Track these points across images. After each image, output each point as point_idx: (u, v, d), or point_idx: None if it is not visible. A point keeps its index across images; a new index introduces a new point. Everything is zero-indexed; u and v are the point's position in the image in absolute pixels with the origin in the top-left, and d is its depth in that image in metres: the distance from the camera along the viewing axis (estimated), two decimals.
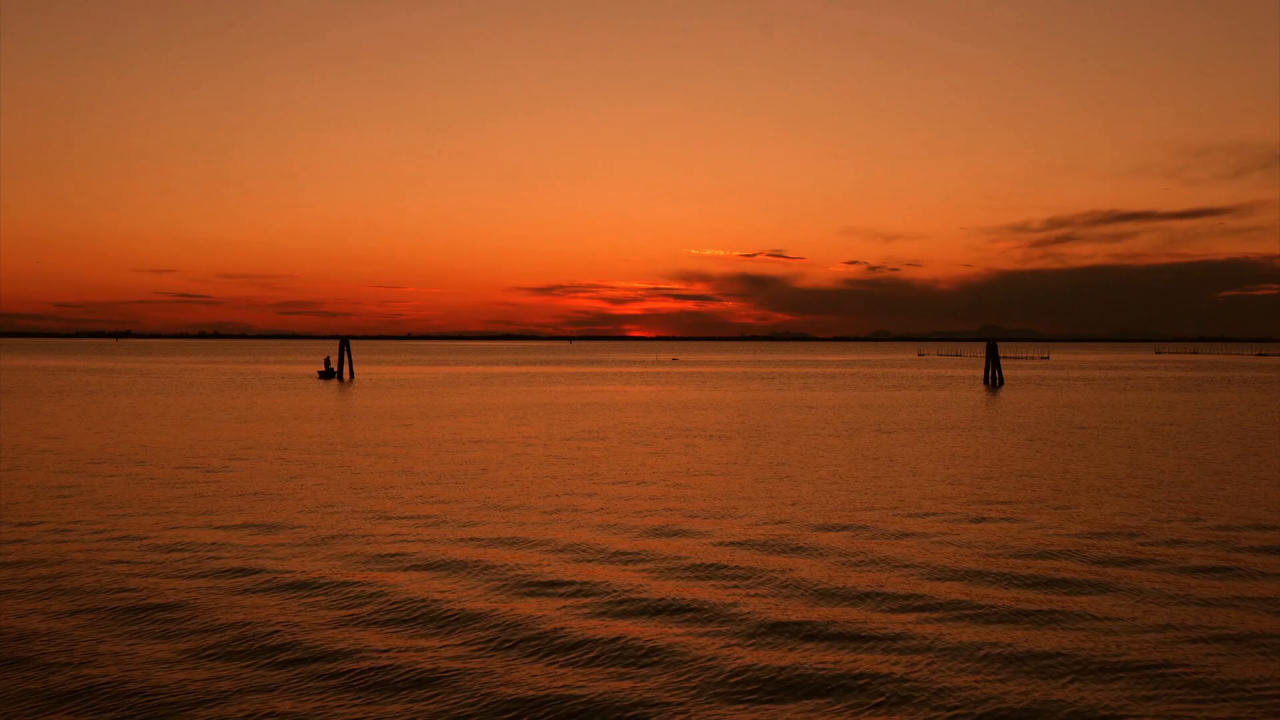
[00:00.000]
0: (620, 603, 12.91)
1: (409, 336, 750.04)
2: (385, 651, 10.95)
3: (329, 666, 10.49)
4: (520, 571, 14.53)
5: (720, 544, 16.57)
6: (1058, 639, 11.44)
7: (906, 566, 14.96)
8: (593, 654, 10.92)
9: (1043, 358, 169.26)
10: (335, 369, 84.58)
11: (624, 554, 15.78)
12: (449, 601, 12.88)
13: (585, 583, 13.88)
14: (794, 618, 12.24)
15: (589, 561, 15.25)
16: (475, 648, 11.11)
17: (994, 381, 76.69)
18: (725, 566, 14.96)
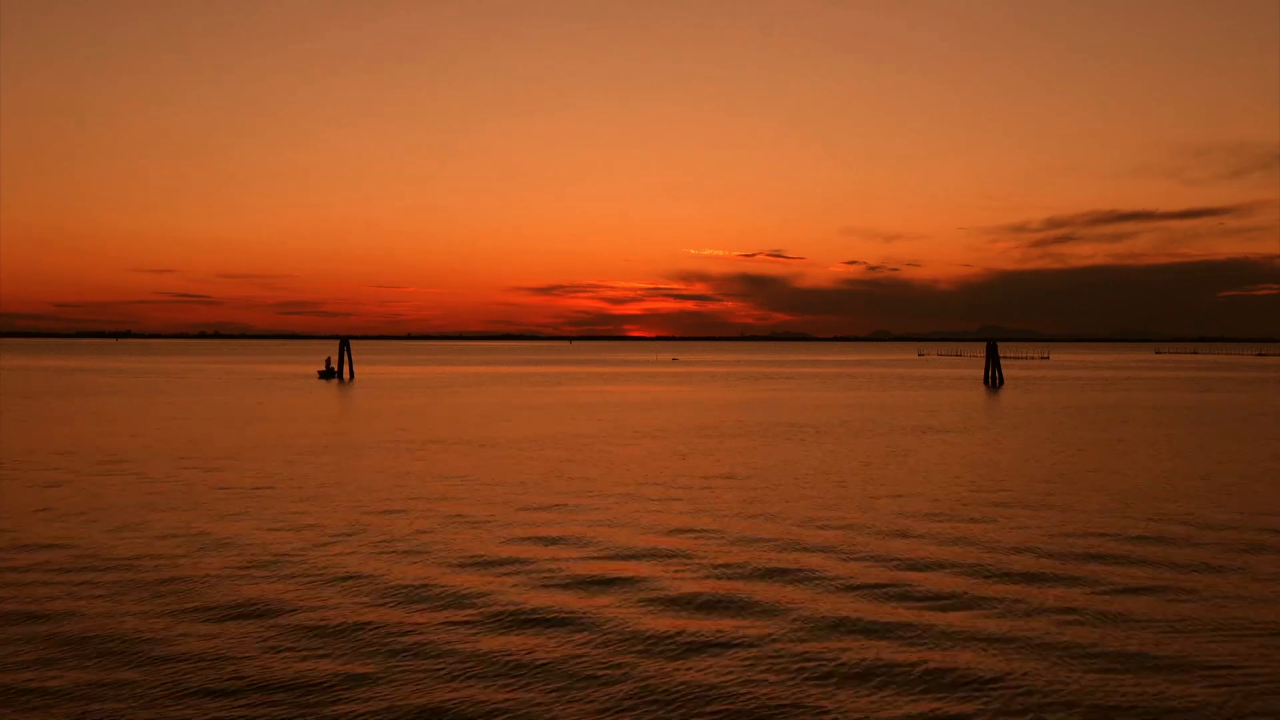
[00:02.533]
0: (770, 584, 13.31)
1: (409, 336, 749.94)
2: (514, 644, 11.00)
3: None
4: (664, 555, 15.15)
5: (860, 532, 17.66)
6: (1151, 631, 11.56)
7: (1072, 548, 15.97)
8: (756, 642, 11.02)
9: (1043, 358, 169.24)
10: (335, 369, 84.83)
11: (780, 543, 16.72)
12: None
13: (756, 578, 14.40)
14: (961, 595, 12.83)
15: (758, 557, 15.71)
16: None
17: (994, 382, 76.75)
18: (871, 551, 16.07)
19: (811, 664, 10.65)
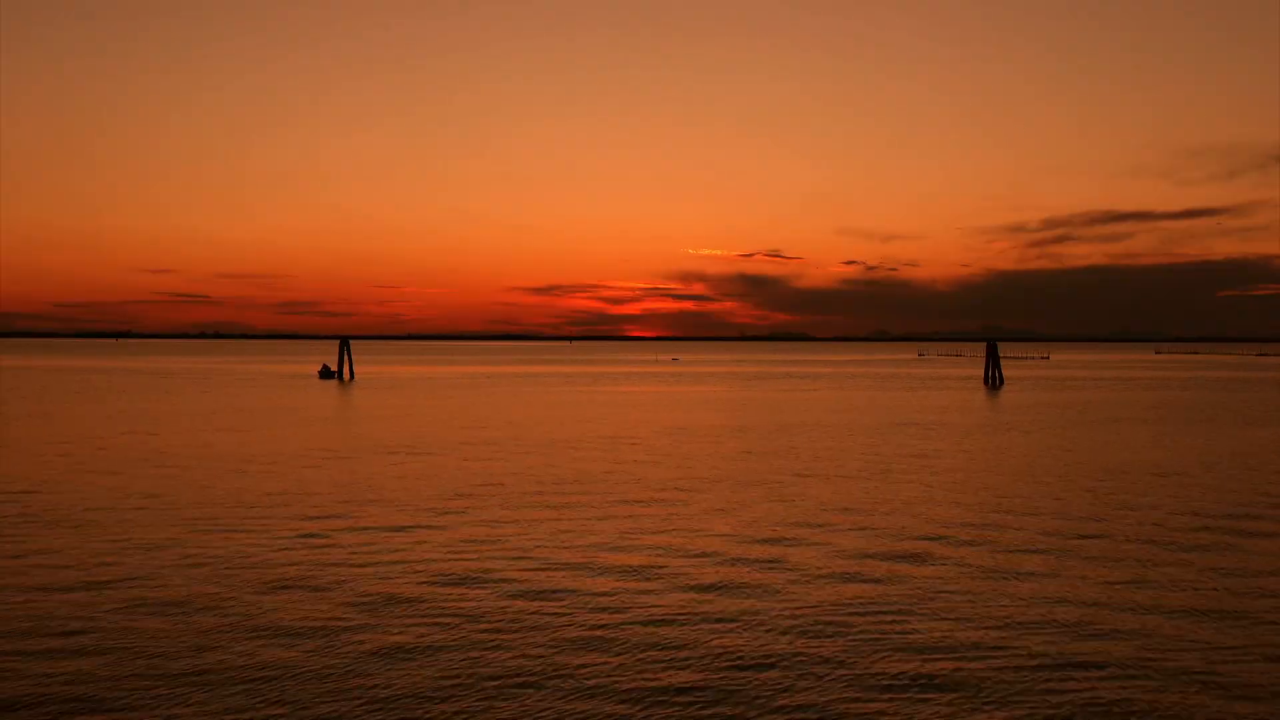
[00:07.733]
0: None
1: (409, 336, 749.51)
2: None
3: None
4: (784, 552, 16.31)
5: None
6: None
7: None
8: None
9: (1043, 357, 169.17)
10: (335, 369, 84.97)
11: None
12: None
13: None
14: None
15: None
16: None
17: (994, 382, 76.81)
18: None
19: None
